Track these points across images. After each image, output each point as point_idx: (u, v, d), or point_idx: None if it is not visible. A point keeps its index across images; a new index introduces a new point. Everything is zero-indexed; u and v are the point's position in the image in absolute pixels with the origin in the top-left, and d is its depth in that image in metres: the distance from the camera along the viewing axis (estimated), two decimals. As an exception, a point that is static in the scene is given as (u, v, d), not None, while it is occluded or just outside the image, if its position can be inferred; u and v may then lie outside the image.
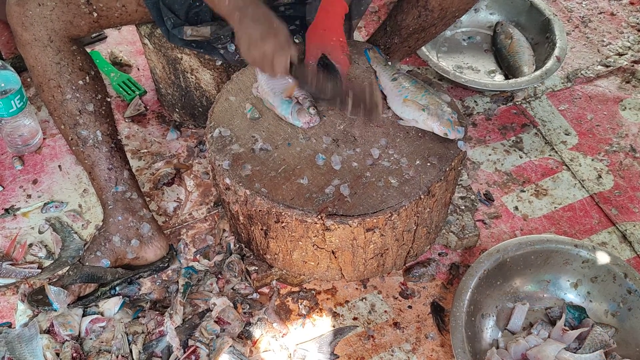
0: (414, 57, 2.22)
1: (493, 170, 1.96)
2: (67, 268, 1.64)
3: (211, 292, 1.66)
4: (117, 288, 1.64)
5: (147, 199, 1.82)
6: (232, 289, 1.67)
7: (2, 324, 1.61)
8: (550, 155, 2.01)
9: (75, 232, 1.80)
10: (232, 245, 1.74)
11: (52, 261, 1.74)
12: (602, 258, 1.58)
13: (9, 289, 1.68)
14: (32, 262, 1.74)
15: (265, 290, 1.68)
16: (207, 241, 1.77)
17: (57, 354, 1.52)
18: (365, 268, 1.58)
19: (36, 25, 1.49)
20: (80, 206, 1.87)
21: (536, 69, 2.15)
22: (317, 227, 1.43)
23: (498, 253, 1.59)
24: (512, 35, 2.25)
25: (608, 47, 2.34)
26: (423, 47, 2.12)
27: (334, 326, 1.62)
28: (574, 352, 1.50)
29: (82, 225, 1.83)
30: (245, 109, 1.59)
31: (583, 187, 1.92)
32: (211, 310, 1.61)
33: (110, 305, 1.62)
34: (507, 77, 2.21)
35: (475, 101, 2.15)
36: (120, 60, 2.27)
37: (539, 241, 1.62)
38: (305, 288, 1.69)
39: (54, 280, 1.62)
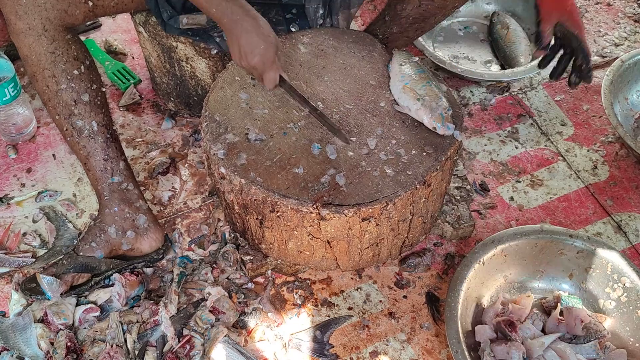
0: (410, 47, 2.21)
1: (489, 161, 1.96)
2: (61, 257, 1.63)
3: (206, 281, 1.66)
4: (111, 278, 1.63)
5: (142, 188, 1.81)
6: (227, 278, 1.67)
7: (-4, 313, 1.61)
8: (546, 145, 2.01)
9: (70, 221, 1.79)
10: (227, 235, 1.73)
11: (46, 250, 1.73)
12: (597, 248, 1.59)
13: (2, 278, 1.67)
14: (26, 251, 1.73)
15: (260, 279, 1.68)
16: (202, 230, 1.77)
17: (52, 343, 1.52)
18: (361, 258, 1.58)
19: (30, 14, 1.46)
20: (74, 195, 1.87)
21: (532, 59, 2.14)
22: (312, 216, 1.42)
23: (493, 243, 1.59)
24: (508, 26, 2.24)
25: (604, 37, 2.33)
26: (419, 37, 2.11)
27: (329, 316, 1.62)
28: (569, 342, 1.50)
29: (77, 214, 1.82)
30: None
31: (578, 177, 1.92)
32: (206, 300, 1.60)
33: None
34: (503, 67, 2.20)
35: (471, 91, 2.15)
36: (115, 48, 2.25)
37: (534, 231, 1.61)
38: (301, 278, 1.69)
39: (47, 268, 1.62)
